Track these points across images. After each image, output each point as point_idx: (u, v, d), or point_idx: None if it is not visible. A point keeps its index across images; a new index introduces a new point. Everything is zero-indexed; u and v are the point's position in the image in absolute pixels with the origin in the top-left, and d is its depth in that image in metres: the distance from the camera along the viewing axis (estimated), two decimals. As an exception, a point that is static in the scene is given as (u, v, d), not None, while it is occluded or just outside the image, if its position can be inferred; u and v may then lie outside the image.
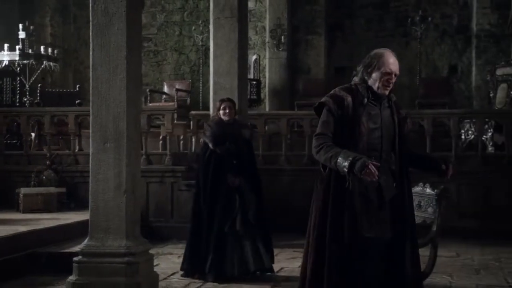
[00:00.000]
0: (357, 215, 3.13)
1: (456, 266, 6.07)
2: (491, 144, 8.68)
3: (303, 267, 3.41)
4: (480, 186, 7.72)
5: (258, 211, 5.43)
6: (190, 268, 5.40)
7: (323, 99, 3.28)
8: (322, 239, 3.20)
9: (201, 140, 5.86)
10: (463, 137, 8.88)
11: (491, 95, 9.80)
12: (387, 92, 3.25)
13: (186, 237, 5.68)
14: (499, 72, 9.58)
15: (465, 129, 8.89)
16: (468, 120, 8.62)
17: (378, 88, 3.22)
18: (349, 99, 3.20)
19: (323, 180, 3.24)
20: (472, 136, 8.68)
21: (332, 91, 3.32)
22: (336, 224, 3.15)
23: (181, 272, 5.63)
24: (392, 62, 3.21)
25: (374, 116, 3.22)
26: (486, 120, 8.34)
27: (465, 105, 10.99)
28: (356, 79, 3.30)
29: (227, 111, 5.46)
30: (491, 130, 8.62)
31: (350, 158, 3.04)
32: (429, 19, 11.24)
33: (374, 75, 3.22)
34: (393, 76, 3.23)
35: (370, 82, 3.24)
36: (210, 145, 5.41)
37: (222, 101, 5.59)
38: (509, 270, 5.86)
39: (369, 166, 3.01)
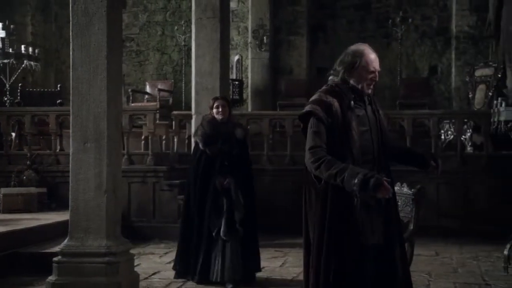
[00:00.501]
0: (360, 226, 2.99)
1: (435, 265, 6.16)
2: (470, 144, 8.80)
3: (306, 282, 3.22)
4: (460, 186, 7.83)
5: (248, 215, 5.20)
6: (182, 270, 5.28)
7: (310, 108, 3.04)
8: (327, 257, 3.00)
9: (194, 140, 5.69)
10: (442, 137, 8.98)
11: (470, 96, 9.93)
12: (370, 91, 3.10)
13: (171, 237, 5.72)
14: (477, 73, 9.71)
15: (445, 129, 9.00)
16: (448, 121, 8.73)
17: (362, 87, 3.06)
18: (336, 103, 3.01)
19: (318, 194, 3.03)
20: (452, 137, 8.79)
21: (317, 96, 3.09)
22: (340, 240, 2.98)
23: (163, 272, 5.65)
24: (374, 59, 3.07)
25: (362, 118, 3.06)
26: (465, 120, 8.45)
27: (445, 106, 11.12)
28: (335, 79, 3.10)
29: (220, 109, 5.21)
30: (470, 130, 8.73)
31: (361, 176, 2.85)
32: (410, 20, 11.36)
33: (357, 74, 3.04)
34: (376, 73, 3.08)
35: (352, 81, 3.06)
36: (200, 145, 5.21)
37: (215, 99, 5.36)
38: (486, 268, 5.95)
39: (384, 184, 2.85)
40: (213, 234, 5.06)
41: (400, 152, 3.26)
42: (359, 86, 3.06)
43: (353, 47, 3.11)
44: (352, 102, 3.04)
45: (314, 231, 3.07)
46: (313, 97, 3.11)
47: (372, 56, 3.07)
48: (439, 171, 3.20)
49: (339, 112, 3.00)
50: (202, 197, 5.15)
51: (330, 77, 3.14)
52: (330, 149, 2.98)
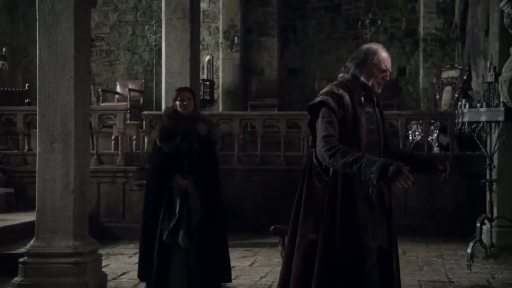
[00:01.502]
0: (363, 225, 2.91)
1: (401, 263, 6.18)
2: (436, 144, 8.96)
3: (284, 277, 3.08)
4: (426, 186, 7.96)
5: (213, 220, 4.65)
6: (143, 275, 4.83)
7: (322, 98, 2.94)
8: (330, 250, 2.89)
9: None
10: (410, 138, 9.13)
11: (437, 97, 10.11)
12: (380, 90, 3.05)
13: (138, 237, 5.45)
14: (444, 75, 9.90)
15: (412, 130, 9.15)
16: (415, 122, 8.87)
17: (372, 85, 3.00)
18: (347, 97, 2.95)
19: (325, 188, 2.92)
20: (419, 137, 8.94)
21: (328, 88, 3.01)
22: (347, 235, 2.89)
23: (132, 272, 5.63)
24: (386, 58, 3.02)
25: (371, 115, 3.00)
26: (432, 121, 8.60)
27: (413, 107, 11.30)
28: (345, 76, 3.05)
29: (185, 102, 4.60)
30: (437, 131, 8.89)
31: (379, 163, 2.73)
32: (379, 22, 11.52)
33: (368, 71, 3.00)
34: (388, 73, 3.04)
35: (363, 78, 3.01)
36: (157, 141, 4.66)
37: (179, 90, 4.74)
38: (451, 266, 6.08)
39: (404, 171, 2.72)
40: (163, 238, 4.49)
41: (402, 157, 3.12)
42: (370, 84, 3.01)
43: (366, 45, 3.09)
44: (362, 98, 2.99)
45: (317, 226, 2.93)
46: (324, 90, 3.04)
47: (384, 55, 3.02)
48: (447, 175, 3.15)
49: (350, 106, 2.93)
50: (157, 199, 4.61)
51: (340, 74, 3.09)
52: (339, 141, 2.89)
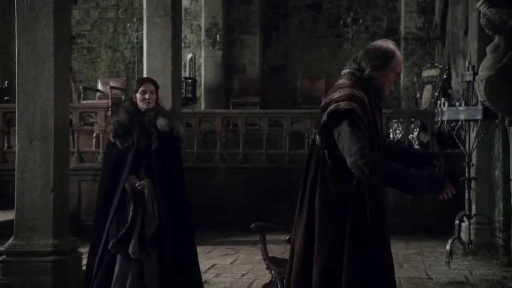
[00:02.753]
0: (387, 234, 2.93)
1: (381, 260, 6.31)
2: (417, 142, 9.04)
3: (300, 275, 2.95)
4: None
5: (173, 230, 4.03)
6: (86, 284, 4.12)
7: (348, 105, 2.79)
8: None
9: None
10: (391, 136, 9.20)
11: (418, 95, 10.21)
12: (388, 92, 3.01)
13: None
14: (424, 74, 9.99)
15: (393, 128, 9.22)
16: (396, 120, 8.95)
17: (386, 87, 2.94)
18: (366, 100, 2.86)
19: (348, 195, 2.84)
20: (400, 135, 9.01)
21: (349, 91, 2.86)
22: (377, 247, 2.86)
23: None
24: (401, 61, 2.96)
25: (379, 117, 2.97)
26: (412, 119, 8.68)
27: (394, 105, 11.38)
28: (356, 73, 2.92)
29: (147, 96, 4.02)
30: (417, 129, 8.97)
31: (425, 174, 2.76)
32: (360, 21, 11.59)
33: (384, 74, 2.91)
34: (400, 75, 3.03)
35: (378, 80, 2.91)
36: (110, 137, 4.10)
37: (141, 82, 4.15)
38: (430, 263, 6.15)
39: (449, 184, 2.76)
40: (109, 247, 3.92)
41: (399, 152, 3.11)
42: (383, 86, 2.94)
43: (383, 45, 2.95)
44: (377, 100, 2.95)
45: (338, 237, 2.84)
46: (345, 92, 2.86)
47: (400, 58, 2.94)
48: (442, 170, 3.09)
49: (369, 110, 2.86)
50: (106, 202, 4.03)
51: (348, 70, 2.97)
52: None
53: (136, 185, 3.97)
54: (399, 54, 2.96)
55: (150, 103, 4.03)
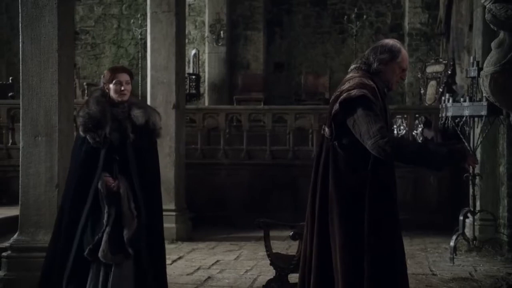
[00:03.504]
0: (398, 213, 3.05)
1: (385, 256, 6.31)
2: (421, 139, 9.01)
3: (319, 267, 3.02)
4: (410, 179, 8.03)
5: (151, 230, 3.74)
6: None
7: (360, 92, 2.89)
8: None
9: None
10: (395, 132, 9.18)
11: (422, 91, 10.18)
12: (395, 87, 3.10)
13: None
14: (428, 69, 9.96)
15: (397, 124, 9.20)
16: (400, 116, 8.92)
17: (393, 82, 3.05)
18: (376, 88, 2.97)
19: (364, 180, 2.92)
20: (404, 131, 8.99)
21: (358, 80, 2.97)
22: (396, 227, 3.02)
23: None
24: (407, 58, 3.08)
25: (388, 108, 3.07)
26: (417, 116, 8.66)
27: (398, 101, 11.37)
28: (363, 67, 3.04)
29: (123, 87, 3.70)
30: (421, 125, 8.95)
31: (444, 149, 2.86)
32: (365, 17, 11.57)
33: (390, 69, 3.02)
34: (406, 72, 3.11)
35: (385, 75, 3.03)
36: (80, 130, 3.70)
37: (115, 71, 3.77)
38: (434, 259, 6.14)
39: (471, 154, 2.90)
40: (84, 254, 3.59)
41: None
42: (390, 81, 3.05)
43: (389, 42, 3.10)
44: (385, 89, 3.05)
45: (364, 222, 2.92)
46: (355, 81, 2.97)
47: (406, 54, 3.08)
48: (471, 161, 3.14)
49: (379, 98, 2.96)
50: (75, 205, 3.67)
51: (355, 65, 3.08)
52: None
53: (111, 183, 3.64)
54: (404, 51, 3.09)
55: (126, 94, 3.71)
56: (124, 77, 3.72)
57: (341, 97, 2.95)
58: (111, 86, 3.72)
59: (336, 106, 2.96)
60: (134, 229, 3.65)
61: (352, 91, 2.92)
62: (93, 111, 3.69)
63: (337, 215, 2.95)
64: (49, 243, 3.86)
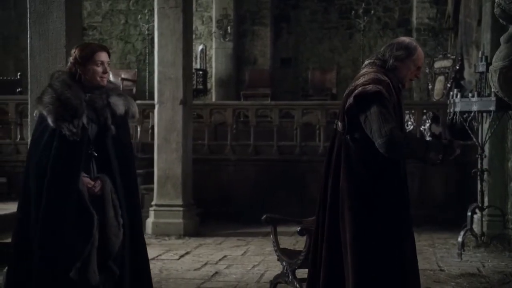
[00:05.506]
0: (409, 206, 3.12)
1: (393, 251, 6.30)
2: (429, 134, 8.99)
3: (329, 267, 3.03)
4: (417, 175, 8.01)
5: (136, 237, 3.16)
6: None
7: (375, 87, 2.91)
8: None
9: (36, 112, 3.20)
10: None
11: (430, 87, 10.14)
12: (409, 85, 3.17)
13: None
14: (436, 65, 9.92)
15: (405, 119, 9.19)
16: (408, 111, 8.90)
17: (407, 79, 3.08)
18: (391, 84, 2.99)
19: (375, 174, 2.96)
20: (412, 127, 8.97)
21: (373, 76, 2.99)
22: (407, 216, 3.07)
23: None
24: (423, 56, 3.12)
25: (402, 104, 3.11)
26: (424, 111, 8.63)
27: (405, 97, 11.32)
28: (377, 62, 3.06)
29: (107, 70, 3.14)
30: (429, 121, 8.92)
31: (440, 146, 2.99)
32: (372, 12, 11.53)
33: (405, 66, 3.04)
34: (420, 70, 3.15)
35: (399, 72, 3.04)
36: (50, 120, 2.99)
37: (94, 49, 3.13)
38: (442, 255, 6.13)
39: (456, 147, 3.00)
40: (71, 274, 2.93)
41: None
42: (404, 78, 3.07)
43: (406, 40, 3.13)
44: (400, 85, 3.08)
45: (379, 214, 2.96)
46: (370, 76, 2.99)
47: (422, 53, 3.11)
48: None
49: (394, 93, 2.99)
50: (56, 214, 2.96)
51: (370, 61, 3.10)
52: None
53: (96, 186, 3.04)
54: (420, 49, 3.11)
55: (106, 78, 3.13)
56: (106, 56, 3.14)
57: (356, 91, 2.96)
58: (90, 67, 3.08)
59: (351, 100, 2.97)
60: (120, 242, 3.05)
61: (368, 86, 2.93)
62: (65, 96, 3.00)
63: (348, 209, 2.97)
64: (9, 265, 3.16)
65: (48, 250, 2.96)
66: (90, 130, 3.05)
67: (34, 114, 3.22)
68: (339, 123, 3.04)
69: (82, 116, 3.01)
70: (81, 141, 2.99)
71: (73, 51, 3.15)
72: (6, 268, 3.20)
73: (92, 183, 3.05)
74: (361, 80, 3.00)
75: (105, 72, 3.09)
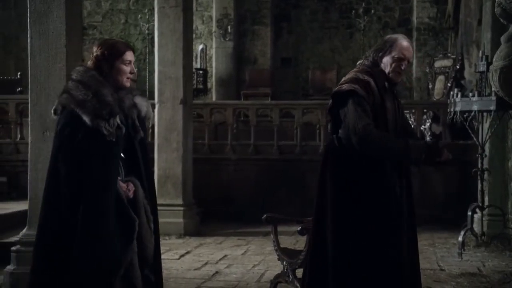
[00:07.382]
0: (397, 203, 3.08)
1: (393, 251, 6.29)
2: (429, 134, 8.97)
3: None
4: (418, 174, 8.00)
5: (157, 246, 3.09)
6: None
7: (349, 86, 2.95)
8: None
9: (58, 107, 2.94)
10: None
11: (430, 86, 10.14)
12: (399, 79, 3.08)
13: None
14: (437, 64, 9.92)
15: (402, 118, 9.17)
16: (408, 111, 8.89)
17: (389, 73, 3.04)
18: (373, 83, 2.99)
19: (357, 168, 2.95)
20: (412, 126, 8.96)
21: (353, 75, 3.03)
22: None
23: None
24: (405, 47, 3.04)
25: (392, 101, 3.07)
26: (425, 110, 8.63)
27: (406, 96, 11.33)
28: (365, 62, 3.09)
29: (134, 70, 3.02)
30: (429, 120, 8.91)
31: (422, 146, 2.93)
32: (372, 11, 11.53)
33: (385, 59, 3.04)
34: (406, 62, 3.06)
35: (382, 66, 3.05)
36: (87, 119, 2.79)
37: (124, 48, 2.97)
38: (442, 254, 6.13)
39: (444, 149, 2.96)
40: (115, 280, 2.82)
41: None
42: (387, 71, 3.05)
43: (390, 35, 3.19)
44: (386, 83, 3.05)
45: (363, 207, 2.97)
46: (348, 76, 3.05)
47: (404, 44, 3.06)
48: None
49: (376, 92, 2.98)
50: (98, 215, 2.81)
51: (360, 61, 3.16)
52: None
53: (129, 190, 2.92)
54: (402, 40, 3.08)
55: (130, 78, 2.99)
56: (133, 56, 3.00)
57: (333, 90, 3.09)
58: (118, 65, 2.90)
59: (330, 99, 3.09)
60: (153, 248, 2.96)
61: (343, 85, 3.01)
62: (102, 93, 2.81)
63: (330, 208, 3.01)
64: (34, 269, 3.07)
65: (89, 256, 2.78)
66: (121, 131, 2.90)
67: (56, 109, 2.94)
68: (329, 124, 3.17)
69: (117, 116, 2.86)
70: (116, 142, 2.84)
71: (98, 47, 2.96)
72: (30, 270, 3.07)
73: (126, 186, 2.91)
74: (342, 80, 3.09)
75: (132, 72, 2.96)
